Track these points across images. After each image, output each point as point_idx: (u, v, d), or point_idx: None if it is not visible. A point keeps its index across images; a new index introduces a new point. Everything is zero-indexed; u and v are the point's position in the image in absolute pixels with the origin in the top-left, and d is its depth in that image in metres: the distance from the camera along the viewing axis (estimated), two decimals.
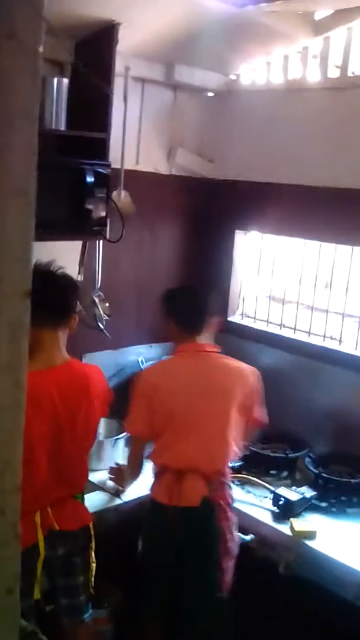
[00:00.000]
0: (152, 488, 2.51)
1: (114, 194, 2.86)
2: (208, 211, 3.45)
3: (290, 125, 3.06)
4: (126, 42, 2.62)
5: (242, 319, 3.52)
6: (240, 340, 3.38)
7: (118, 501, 2.70)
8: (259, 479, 2.84)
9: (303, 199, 3.02)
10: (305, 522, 2.56)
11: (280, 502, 2.62)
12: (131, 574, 2.56)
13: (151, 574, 2.52)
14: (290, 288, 3.29)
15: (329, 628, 2.40)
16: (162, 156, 3.29)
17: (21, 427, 0.81)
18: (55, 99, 2.52)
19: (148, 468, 2.60)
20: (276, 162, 3.13)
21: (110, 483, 2.76)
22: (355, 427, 2.91)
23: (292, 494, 2.64)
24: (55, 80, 2.52)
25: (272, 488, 2.72)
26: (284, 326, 3.31)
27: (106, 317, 2.98)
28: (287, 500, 2.60)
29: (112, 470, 2.76)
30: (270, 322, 3.38)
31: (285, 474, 2.91)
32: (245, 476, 2.85)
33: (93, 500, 2.61)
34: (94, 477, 2.76)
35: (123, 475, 2.69)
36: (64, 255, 2.58)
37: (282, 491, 2.65)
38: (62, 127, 2.56)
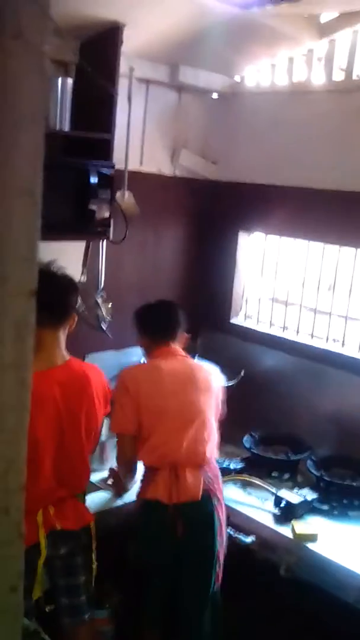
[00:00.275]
0: (146, 489, 2.47)
1: (118, 194, 2.86)
2: (211, 212, 3.45)
3: (295, 128, 3.05)
4: (131, 43, 2.62)
5: (245, 320, 3.51)
6: (242, 342, 3.38)
7: (119, 502, 2.71)
8: (261, 481, 2.83)
9: (307, 201, 3.01)
10: (306, 525, 2.55)
11: (282, 505, 2.61)
12: (132, 574, 2.55)
13: (147, 579, 2.49)
14: (293, 290, 3.29)
15: (329, 631, 2.39)
16: (166, 157, 3.29)
17: (26, 427, 0.81)
18: (59, 99, 2.53)
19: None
20: (280, 164, 3.13)
21: (109, 487, 2.77)
22: (357, 430, 2.91)
23: (293, 497, 2.63)
24: (60, 80, 2.53)
25: (273, 490, 2.72)
26: (287, 328, 3.31)
27: (109, 318, 2.98)
28: (288, 502, 2.60)
29: (111, 473, 2.77)
30: (273, 324, 3.38)
31: (287, 476, 2.91)
32: (247, 478, 2.85)
33: (94, 501, 2.62)
34: (95, 477, 2.76)
35: (120, 483, 2.71)
36: (68, 256, 2.58)
37: (284, 493, 2.65)
38: (67, 128, 2.57)
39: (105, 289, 3.01)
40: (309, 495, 2.67)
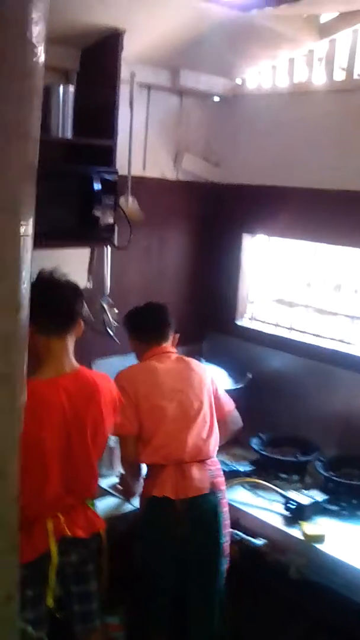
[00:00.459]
0: (152, 487, 2.48)
1: (122, 200, 2.87)
2: (215, 215, 3.46)
3: (297, 129, 3.05)
4: (131, 49, 2.63)
5: (250, 322, 3.51)
6: (248, 343, 3.38)
7: (129, 507, 2.71)
8: (270, 482, 2.83)
9: (310, 202, 3.01)
10: (316, 526, 2.55)
11: (291, 506, 2.61)
12: (138, 578, 2.56)
13: (154, 584, 2.50)
14: (299, 291, 3.29)
15: (340, 632, 2.39)
16: (168, 162, 3.30)
17: (17, 438, 0.82)
18: (61, 106, 2.53)
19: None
20: (282, 165, 3.13)
21: (120, 492, 2.78)
22: None
23: (303, 498, 2.63)
24: (61, 88, 2.54)
25: (282, 492, 2.72)
26: (293, 329, 3.31)
27: (115, 324, 2.99)
28: (298, 504, 2.60)
29: (122, 478, 2.77)
30: (279, 325, 3.38)
31: (295, 477, 2.90)
32: (256, 480, 2.85)
33: (104, 506, 2.62)
34: (104, 482, 2.77)
35: (128, 488, 2.72)
36: (73, 263, 2.59)
37: (293, 495, 2.65)
38: (69, 135, 2.57)
39: (110, 295, 3.02)
40: (318, 496, 2.67)
